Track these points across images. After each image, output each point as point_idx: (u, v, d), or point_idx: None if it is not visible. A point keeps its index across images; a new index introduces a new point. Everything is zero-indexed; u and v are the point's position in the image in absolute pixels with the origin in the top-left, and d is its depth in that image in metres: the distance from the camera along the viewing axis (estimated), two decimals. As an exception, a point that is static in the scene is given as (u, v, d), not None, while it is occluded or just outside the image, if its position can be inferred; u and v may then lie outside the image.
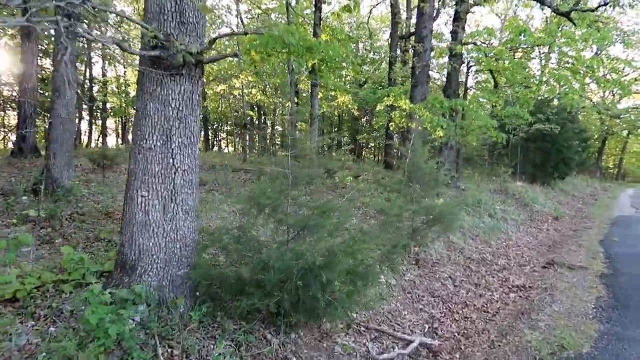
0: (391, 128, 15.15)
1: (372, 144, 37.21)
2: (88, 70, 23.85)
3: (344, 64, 14.61)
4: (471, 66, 19.13)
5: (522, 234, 12.02)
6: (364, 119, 30.89)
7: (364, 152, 36.55)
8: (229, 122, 27.06)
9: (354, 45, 29.54)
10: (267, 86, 23.07)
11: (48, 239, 6.20)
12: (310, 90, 13.86)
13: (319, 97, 15.37)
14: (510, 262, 9.06)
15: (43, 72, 17.65)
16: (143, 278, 4.14)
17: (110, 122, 33.72)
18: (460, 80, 18.20)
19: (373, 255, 5.29)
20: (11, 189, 8.55)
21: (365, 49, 29.97)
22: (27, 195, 8.55)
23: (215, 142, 32.35)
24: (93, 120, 26.19)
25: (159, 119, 4.19)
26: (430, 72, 17.84)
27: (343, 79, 28.47)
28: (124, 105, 22.35)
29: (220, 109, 25.87)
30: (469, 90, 20.86)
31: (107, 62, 23.31)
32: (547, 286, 7.34)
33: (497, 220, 12.09)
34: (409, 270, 7.27)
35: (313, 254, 3.77)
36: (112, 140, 33.46)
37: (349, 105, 19.35)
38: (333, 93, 19.88)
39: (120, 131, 33.50)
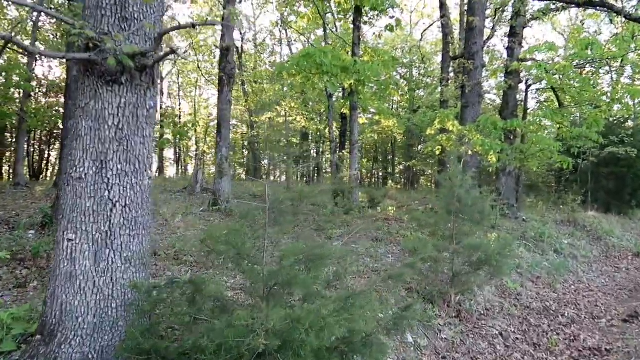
0: (437, 153, 13.74)
1: (430, 171, 35.48)
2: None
3: (388, 87, 13.50)
4: (530, 85, 17.35)
5: (595, 275, 10.05)
6: (419, 146, 29.40)
7: (420, 180, 34.84)
8: (274, 151, 26.57)
9: (407, 70, 28.45)
10: (312, 112, 22.37)
11: (22, 282, 5.44)
12: (349, 114, 12.85)
13: (360, 122, 14.29)
14: (580, 313, 7.31)
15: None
16: (62, 349, 3.13)
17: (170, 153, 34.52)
18: (519, 100, 16.54)
19: (385, 316, 4.02)
20: (17, 222, 8.04)
21: (419, 74, 28.76)
22: (35, 228, 8.00)
23: (263, 171, 31.96)
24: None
25: (92, 141, 3.26)
26: (487, 95, 16.45)
27: (392, 104, 27.36)
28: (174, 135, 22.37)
29: (266, 136, 25.45)
30: (528, 111, 18.99)
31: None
32: (632, 349, 5.68)
33: (564, 257, 10.22)
34: (448, 326, 5.84)
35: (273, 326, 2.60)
36: (172, 171, 34.06)
37: (395, 131, 18.10)
38: (377, 117, 18.73)
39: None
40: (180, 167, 34.27)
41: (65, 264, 3.23)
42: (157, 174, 29.68)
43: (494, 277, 6.54)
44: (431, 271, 6.29)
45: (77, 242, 3.22)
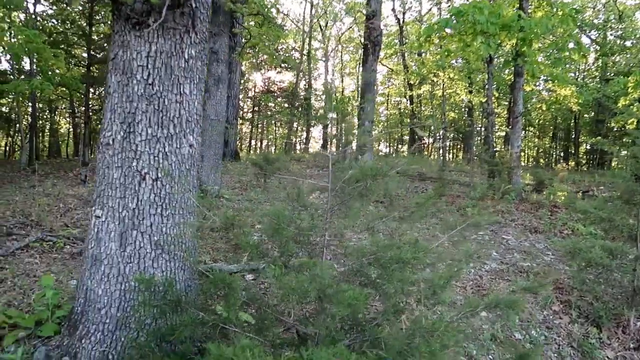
0: (631, 127, 10.81)
1: (625, 152, 29.60)
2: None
3: (565, 46, 10.98)
4: None
5: None
6: (611, 122, 24.47)
7: (611, 163, 29.32)
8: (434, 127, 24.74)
9: (598, 33, 23.72)
10: (476, 84, 20.01)
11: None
12: (513, 82, 10.81)
13: (526, 89, 12.01)
14: None
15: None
16: (82, 344, 2.67)
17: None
18: None
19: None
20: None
21: (615, 36, 23.72)
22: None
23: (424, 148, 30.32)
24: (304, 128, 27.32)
25: (119, 99, 2.69)
26: None
27: (576, 73, 23.18)
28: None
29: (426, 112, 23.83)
30: None
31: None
32: None
33: None
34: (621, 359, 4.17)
35: None
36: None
37: (572, 102, 14.91)
38: (550, 85, 15.73)
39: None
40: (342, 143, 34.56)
41: (93, 245, 2.75)
42: (321, 150, 30.39)
43: None
44: (600, 282, 4.60)
45: (104, 219, 2.72)
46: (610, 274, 4.48)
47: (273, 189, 10.35)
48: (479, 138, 25.30)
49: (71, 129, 23.25)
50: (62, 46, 13.00)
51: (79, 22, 13.89)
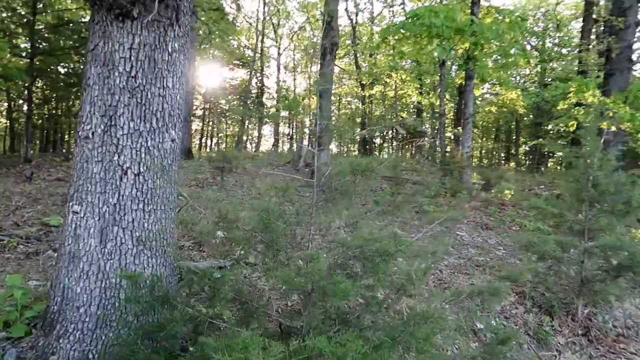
0: (571, 129, 11.56)
1: (561, 153, 31.49)
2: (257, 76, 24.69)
3: (510, 52, 11.58)
4: None
5: None
6: (549, 125, 25.96)
7: (548, 163, 31.11)
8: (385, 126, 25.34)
9: (538, 40, 25.12)
10: (426, 86, 20.65)
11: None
12: (464, 84, 11.26)
13: (476, 93, 12.55)
14: None
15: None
16: (60, 343, 2.58)
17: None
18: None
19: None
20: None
21: (553, 44, 25.21)
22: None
23: (375, 148, 30.93)
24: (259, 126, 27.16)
25: (100, 92, 2.61)
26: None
27: (518, 78, 24.41)
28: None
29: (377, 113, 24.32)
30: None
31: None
32: None
33: None
34: (571, 346, 4.46)
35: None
36: (287, 146, 34.70)
37: (518, 104, 15.79)
38: (498, 89, 16.54)
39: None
40: (294, 141, 34.69)
41: (70, 242, 2.66)
42: (272, 148, 30.32)
43: (641, 288, 4.94)
44: (551, 273, 4.91)
45: (82, 215, 2.63)
46: (560, 266, 4.80)
47: (230, 186, 10.26)
48: (427, 139, 26.11)
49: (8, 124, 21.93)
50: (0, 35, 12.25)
51: (20, 11, 13.13)
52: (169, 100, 2.76)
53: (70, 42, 14.02)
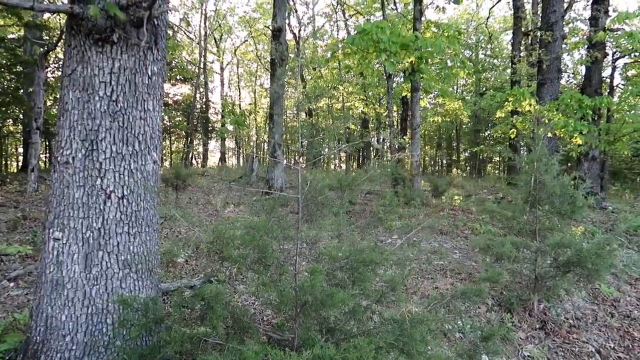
0: (512, 136, 12.34)
1: (498, 158, 33.31)
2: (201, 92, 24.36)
3: (453, 64, 12.22)
4: (618, 58, 15.35)
5: None
6: (487, 132, 27.46)
7: (487, 168, 32.79)
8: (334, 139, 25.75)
9: (472, 52, 26.56)
10: (371, 98, 21.25)
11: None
12: (410, 96, 11.76)
13: (421, 104, 13.10)
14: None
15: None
16: (46, 375, 2.52)
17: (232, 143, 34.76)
18: (603, 76, 14.72)
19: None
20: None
21: (486, 55, 26.75)
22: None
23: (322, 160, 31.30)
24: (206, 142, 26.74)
25: (79, 116, 2.60)
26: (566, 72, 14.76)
27: (457, 88, 25.64)
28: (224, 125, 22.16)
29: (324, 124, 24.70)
30: (615, 89, 16.88)
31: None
32: None
33: (667, 255, 8.68)
34: (531, 339, 4.79)
35: None
36: (234, 161, 34.37)
37: (460, 114, 16.69)
38: (441, 100, 17.37)
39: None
40: (242, 156, 34.45)
41: (52, 270, 2.61)
42: (219, 163, 29.92)
43: (588, 281, 5.37)
44: (508, 273, 5.25)
45: (64, 242, 2.59)
46: (516, 265, 5.14)
47: (185, 204, 10.11)
48: (373, 148, 26.78)
49: None
50: None
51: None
52: (150, 123, 2.78)
53: (4, 61, 13.34)
